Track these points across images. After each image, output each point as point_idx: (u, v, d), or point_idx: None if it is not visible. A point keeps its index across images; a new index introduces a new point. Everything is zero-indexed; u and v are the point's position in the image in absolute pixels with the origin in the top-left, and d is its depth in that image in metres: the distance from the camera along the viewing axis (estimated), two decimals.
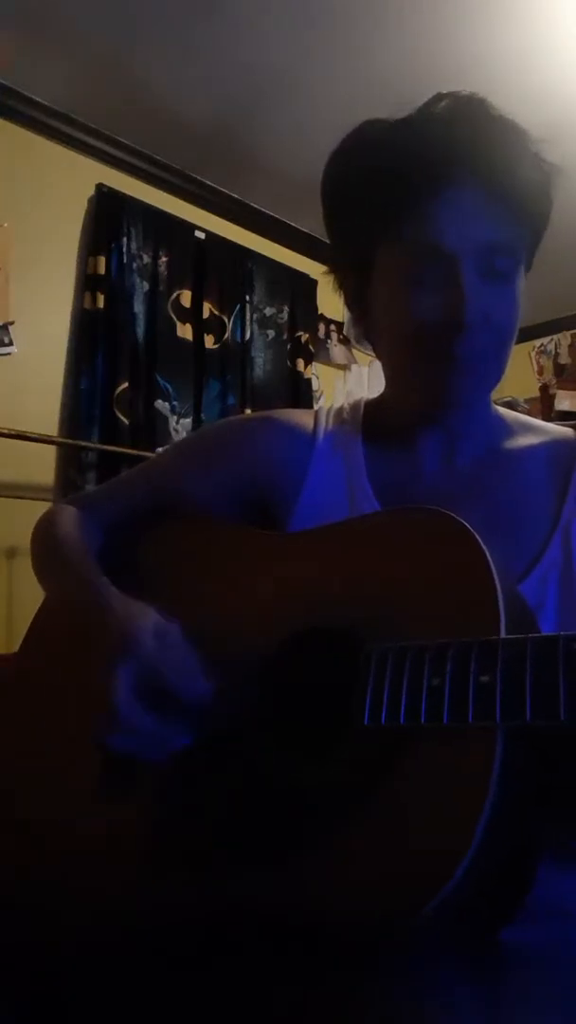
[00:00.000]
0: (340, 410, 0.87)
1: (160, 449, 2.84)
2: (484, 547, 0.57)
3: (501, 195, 0.68)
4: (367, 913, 0.51)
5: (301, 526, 0.78)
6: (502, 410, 0.84)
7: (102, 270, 2.79)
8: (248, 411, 3.17)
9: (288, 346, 3.45)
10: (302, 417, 0.86)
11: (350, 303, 0.81)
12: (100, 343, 2.76)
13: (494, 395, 0.80)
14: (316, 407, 0.89)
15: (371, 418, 0.85)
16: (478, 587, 0.56)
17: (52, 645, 0.85)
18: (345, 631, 0.62)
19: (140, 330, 2.89)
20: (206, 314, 3.11)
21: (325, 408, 0.88)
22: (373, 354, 0.85)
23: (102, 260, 2.79)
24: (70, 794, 0.71)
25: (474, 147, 0.67)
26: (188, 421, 3.01)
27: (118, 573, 0.83)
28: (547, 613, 0.69)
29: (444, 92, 0.71)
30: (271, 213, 3.40)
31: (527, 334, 4.28)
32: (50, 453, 2.68)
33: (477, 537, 0.58)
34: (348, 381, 3.76)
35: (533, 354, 4.32)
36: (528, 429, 0.82)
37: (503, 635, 0.52)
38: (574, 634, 0.49)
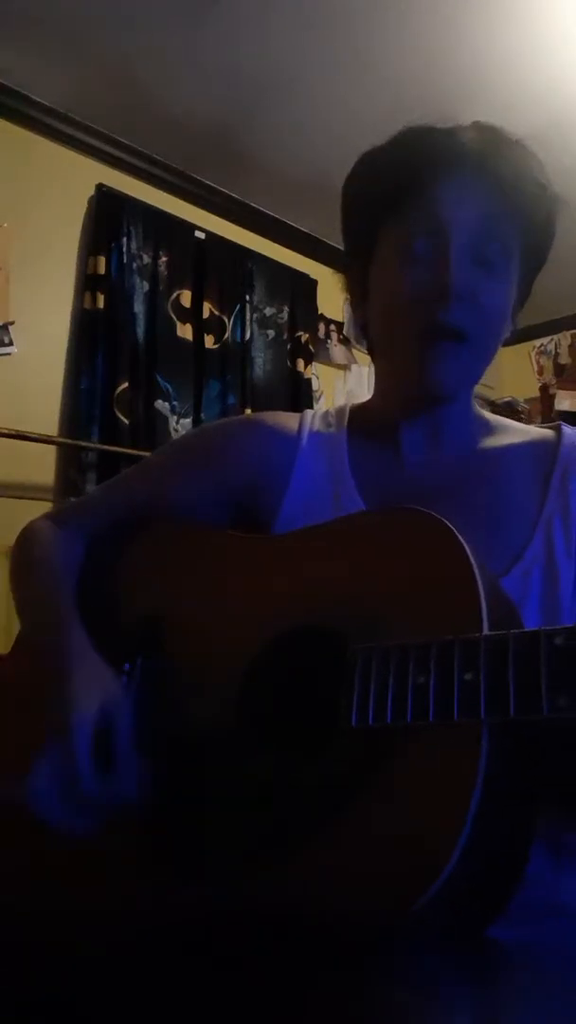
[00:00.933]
0: (326, 413, 0.88)
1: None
2: (466, 545, 0.58)
3: (499, 191, 0.72)
4: (360, 909, 0.51)
5: (287, 526, 0.79)
6: (483, 412, 0.85)
7: (102, 270, 2.79)
8: (248, 411, 3.17)
9: (288, 346, 3.45)
10: (286, 420, 0.87)
11: (353, 299, 0.84)
12: (100, 343, 2.76)
13: (494, 395, 0.81)
14: (315, 407, 0.90)
15: (356, 419, 0.86)
16: (460, 585, 0.56)
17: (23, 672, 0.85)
18: (330, 631, 0.62)
19: (140, 330, 2.89)
20: (206, 314, 3.11)
21: (311, 411, 0.89)
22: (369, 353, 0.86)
23: (102, 260, 2.79)
24: None
25: (479, 147, 0.72)
26: (188, 421, 3.01)
27: (102, 580, 0.83)
28: (530, 607, 0.70)
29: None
30: (271, 213, 3.40)
31: (527, 334, 4.27)
32: (50, 453, 2.68)
33: (459, 536, 0.59)
34: (348, 381, 3.76)
35: (533, 354, 4.32)
36: (509, 430, 0.84)
37: (485, 631, 0.53)
38: (555, 629, 0.50)
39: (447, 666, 0.52)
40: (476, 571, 0.56)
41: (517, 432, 0.83)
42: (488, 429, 0.83)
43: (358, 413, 0.87)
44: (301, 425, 0.86)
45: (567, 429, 0.80)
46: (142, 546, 0.86)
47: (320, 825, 0.55)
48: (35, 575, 0.85)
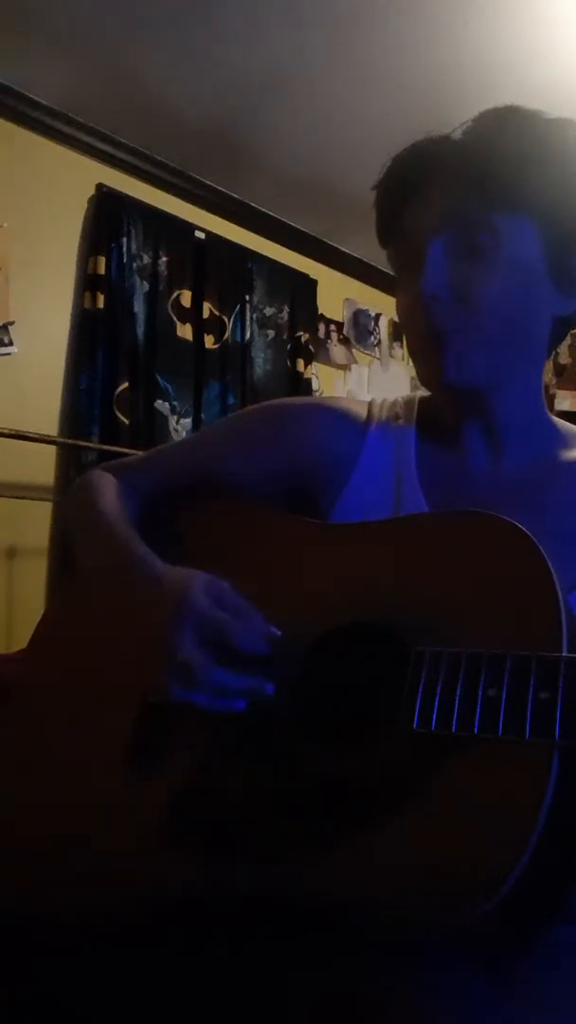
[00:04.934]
0: (394, 403, 0.87)
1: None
2: (546, 556, 0.56)
3: (474, 175, 0.70)
4: (409, 915, 0.50)
5: (344, 515, 0.78)
6: (557, 420, 0.83)
7: (102, 270, 2.78)
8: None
9: (288, 346, 3.45)
10: (355, 406, 0.86)
11: None
12: (100, 343, 2.75)
13: None
14: (368, 399, 0.89)
15: (423, 413, 0.84)
16: (539, 596, 0.55)
17: (69, 640, 0.84)
18: (392, 628, 0.61)
19: (140, 330, 2.88)
20: (206, 314, 3.11)
21: (379, 399, 0.88)
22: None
23: (102, 260, 2.79)
24: (94, 783, 0.70)
25: (452, 144, 0.73)
26: (188, 421, 3.01)
27: (154, 547, 0.82)
28: None
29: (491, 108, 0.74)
30: (271, 213, 3.40)
31: None
32: (50, 453, 2.68)
33: (539, 545, 0.57)
34: (348, 381, 3.76)
35: None
36: None
37: (564, 648, 0.52)
38: None
39: (522, 682, 0.51)
40: (556, 582, 0.54)
41: None
42: (560, 440, 0.80)
43: (425, 406, 0.85)
44: (370, 413, 0.85)
45: None
46: (195, 518, 0.85)
47: (369, 825, 0.54)
48: (98, 517, 0.84)
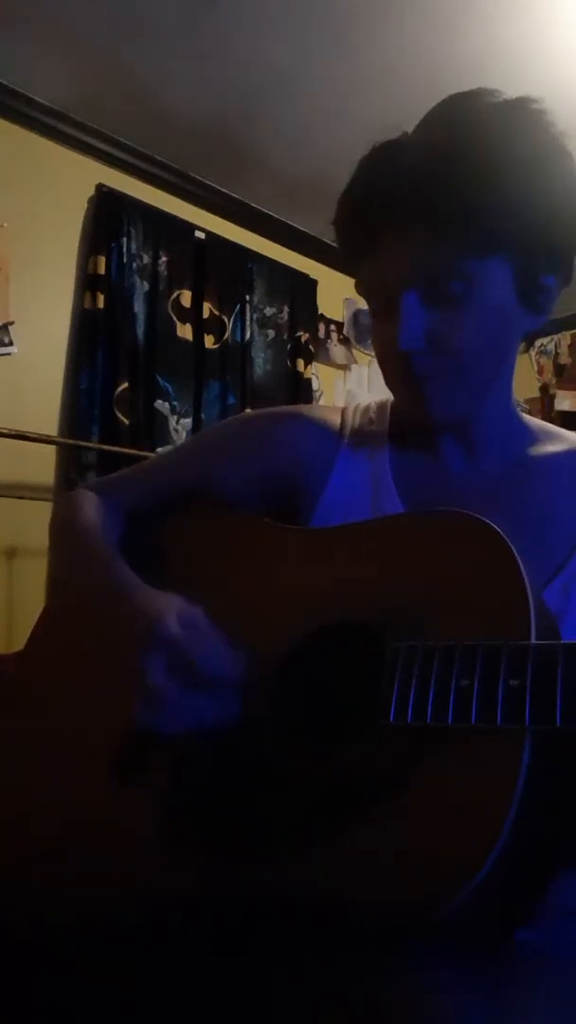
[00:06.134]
0: (367, 409, 0.88)
1: (161, 449, 2.84)
2: (515, 551, 0.58)
3: (446, 225, 0.67)
4: (389, 907, 0.51)
5: (322, 523, 0.79)
6: (527, 417, 0.84)
7: (102, 270, 2.79)
8: (248, 411, 3.17)
9: (288, 346, 3.45)
10: (329, 414, 0.87)
11: None
12: (100, 343, 2.76)
13: None
14: (341, 405, 0.90)
15: (397, 419, 0.85)
16: (510, 591, 0.56)
17: (63, 640, 0.85)
18: (371, 628, 0.62)
19: (140, 330, 2.89)
20: (206, 314, 3.11)
21: (352, 407, 0.88)
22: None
23: (102, 260, 2.79)
24: (84, 786, 0.71)
25: (422, 179, 0.67)
26: (188, 421, 3.01)
27: (139, 560, 0.83)
28: (567, 622, 0.68)
29: (439, 104, 0.73)
30: (271, 213, 3.40)
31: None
32: (50, 453, 2.68)
33: (508, 541, 0.58)
34: (348, 381, 3.76)
35: (533, 354, 4.32)
36: (554, 437, 0.83)
37: (534, 640, 0.53)
38: None
39: (493, 670, 0.52)
40: (526, 578, 0.56)
41: (562, 440, 0.82)
42: (532, 437, 0.82)
43: (399, 412, 0.85)
44: (343, 421, 0.86)
45: None
46: (179, 529, 0.86)
47: (353, 819, 0.55)
48: (80, 539, 0.85)
